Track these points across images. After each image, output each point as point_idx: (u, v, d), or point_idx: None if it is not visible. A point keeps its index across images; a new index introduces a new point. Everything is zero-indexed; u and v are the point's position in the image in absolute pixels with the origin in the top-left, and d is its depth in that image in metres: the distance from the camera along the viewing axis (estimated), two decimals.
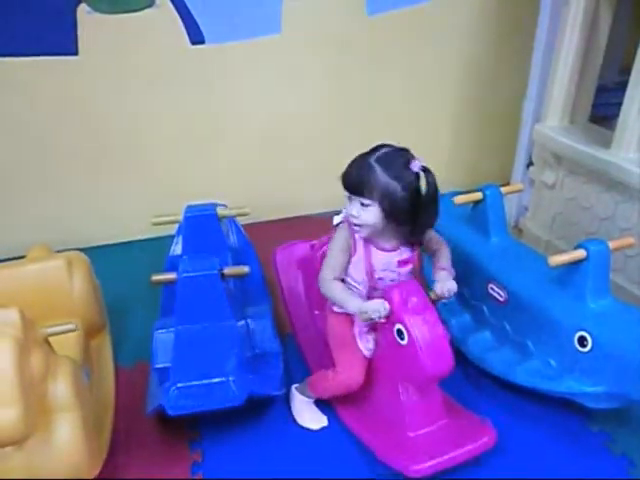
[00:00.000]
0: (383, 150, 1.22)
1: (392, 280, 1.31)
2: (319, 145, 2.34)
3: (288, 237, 1.79)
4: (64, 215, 2.26)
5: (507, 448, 1.36)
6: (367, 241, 1.29)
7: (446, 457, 1.21)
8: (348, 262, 1.30)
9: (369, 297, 1.30)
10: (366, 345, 1.33)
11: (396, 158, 1.21)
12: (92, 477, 1.23)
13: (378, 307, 1.19)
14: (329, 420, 1.45)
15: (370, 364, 1.34)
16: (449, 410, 1.33)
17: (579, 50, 1.82)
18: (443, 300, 1.32)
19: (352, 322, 1.35)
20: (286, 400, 1.50)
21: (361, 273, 1.30)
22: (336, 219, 1.33)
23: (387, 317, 1.20)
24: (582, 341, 1.29)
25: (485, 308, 1.59)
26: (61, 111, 2.08)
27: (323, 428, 1.43)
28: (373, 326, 1.31)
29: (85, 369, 1.42)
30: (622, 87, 1.69)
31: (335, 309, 1.37)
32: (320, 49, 2.20)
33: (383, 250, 1.29)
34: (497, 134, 2.49)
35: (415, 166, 1.20)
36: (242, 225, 1.93)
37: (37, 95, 2.03)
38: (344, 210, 1.30)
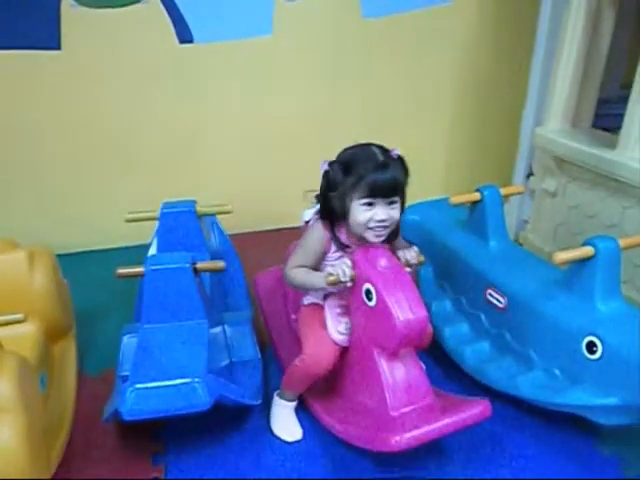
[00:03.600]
0: (376, 147, 1.20)
1: None
2: (310, 151, 2.24)
3: (274, 248, 1.69)
4: (40, 220, 2.15)
5: (508, 467, 1.23)
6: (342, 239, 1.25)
7: (432, 426, 1.08)
8: (322, 259, 1.27)
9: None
10: (337, 328, 1.24)
11: (386, 150, 1.20)
12: None
13: (341, 265, 1.16)
14: (311, 437, 1.31)
15: (346, 350, 1.25)
16: (437, 394, 1.21)
17: (581, 51, 1.76)
18: (410, 268, 1.24)
19: (322, 310, 1.29)
20: (264, 412, 1.37)
21: None
22: (306, 215, 1.28)
23: (353, 280, 1.16)
24: (591, 347, 1.17)
25: (483, 316, 1.47)
26: (40, 108, 2.00)
27: (299, 443, 1.30)
28: (346, 309, 1.25)
29: (42, 373, 1.30)
30: (624, 100, 1.62)
31: (305, 302, 1.33)
32: (313, 51, 2.14)
33: (359, 245, 1.24)
34: (496, 142, 2.41)
35: (394, 154, 1.20)
36: (228, 235, 1.83)
37: (15, 91, 1.96)
38: (313, 206, 1.28)
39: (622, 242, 1.22)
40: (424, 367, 1.37)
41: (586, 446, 1.29)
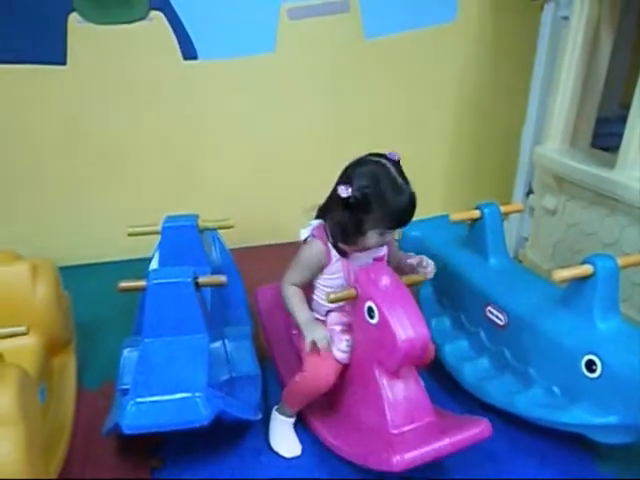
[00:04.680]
0: (394, 168, 1.19)
1: None
2: (312, 166, 2.26)
3: (275, 263, 1.66)
4: (43, 232, 2.16)
5: None
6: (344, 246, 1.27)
7: (433, 446, 1.08)
8: (320, 273, 1.29)
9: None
10: (339, 346, 1.24)
11: (402, 172, 1.22)
12: None
13: (321, 336, 1.20)
14: (310, 452, 1.30)
15: (347, 367, 1.25)
16: (438, 413, 1.21)
17: (580, 70, 1.77)
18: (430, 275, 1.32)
19: (325, 324, 1.30)
20: (263, 428, 1.36)
21: (339, 279, 1.27)
22: (303, 233, 1.29)
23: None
24: (590, 366, 1.17)
25: (483, 333, 1.47)
26: (43, 122, 2.01)
27: (298, 459, 1.29)
28: (348, 327, 1.27)
29: (41, 386, 1.29)
30: (623, 119, 1.62)
31: None
32: (315, 70, 2.16)
33: (361, 252, 1.27)
34: (496, 160, 2.43)
35: (395, 157, 1.23)
36: (230, 250, 1.83)
37: (19, 105, 1.97)
38: (310, 223, 1.29)
39: (621, 261, 1.22)
40: (423, 384, 1.37)
41: (586, 464, 1.28)
